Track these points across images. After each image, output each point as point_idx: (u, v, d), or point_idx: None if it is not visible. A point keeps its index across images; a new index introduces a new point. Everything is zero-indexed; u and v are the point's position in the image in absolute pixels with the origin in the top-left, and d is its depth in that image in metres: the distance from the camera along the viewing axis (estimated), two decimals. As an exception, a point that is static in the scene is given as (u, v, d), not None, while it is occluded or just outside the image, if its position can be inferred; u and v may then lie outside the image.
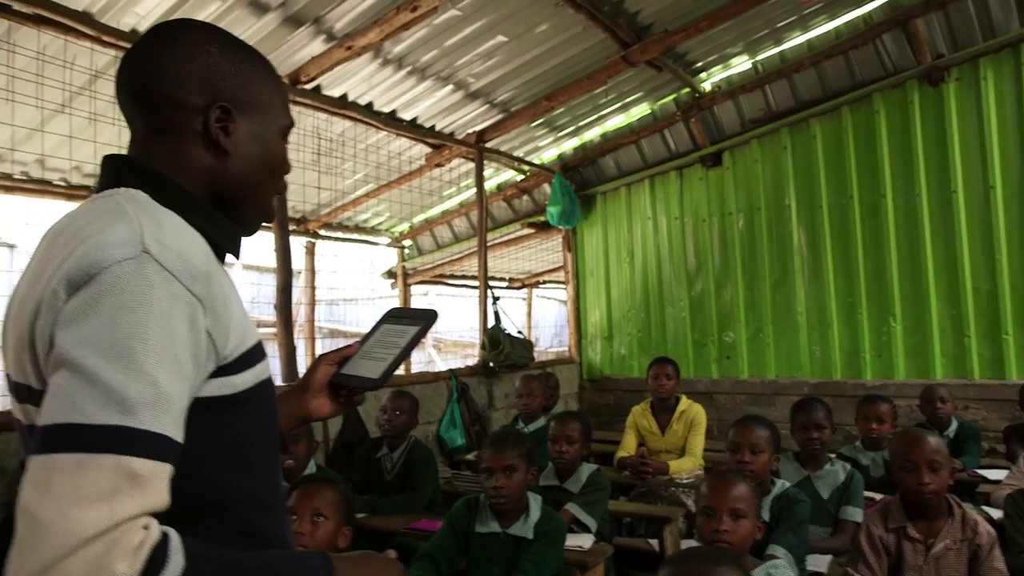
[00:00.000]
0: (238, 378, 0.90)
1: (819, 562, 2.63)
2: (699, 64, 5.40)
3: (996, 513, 2.89)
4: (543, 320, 10.89)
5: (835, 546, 2.84)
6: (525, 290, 9.68)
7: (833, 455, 3.26)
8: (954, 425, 4.09)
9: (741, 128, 5.88)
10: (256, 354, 0.95)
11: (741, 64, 5.53)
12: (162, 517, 0.76)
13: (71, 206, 4.38)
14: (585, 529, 2.86)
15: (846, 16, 5.08)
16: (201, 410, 0.85)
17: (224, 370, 0.88)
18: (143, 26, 3.45)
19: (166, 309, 0.79)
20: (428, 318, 1.23)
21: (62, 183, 4.79)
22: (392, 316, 1.29)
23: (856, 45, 5.16)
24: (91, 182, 4.90)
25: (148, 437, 0.74)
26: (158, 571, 0.70)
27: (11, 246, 6.62)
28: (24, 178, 4.60)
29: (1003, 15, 4.79)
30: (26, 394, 0.85)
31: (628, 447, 4.18)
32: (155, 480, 0.74)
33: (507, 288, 9.01)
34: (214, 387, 0.87)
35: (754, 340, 5.76)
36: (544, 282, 9.42)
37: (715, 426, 5.38)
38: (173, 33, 0.97)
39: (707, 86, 5.68)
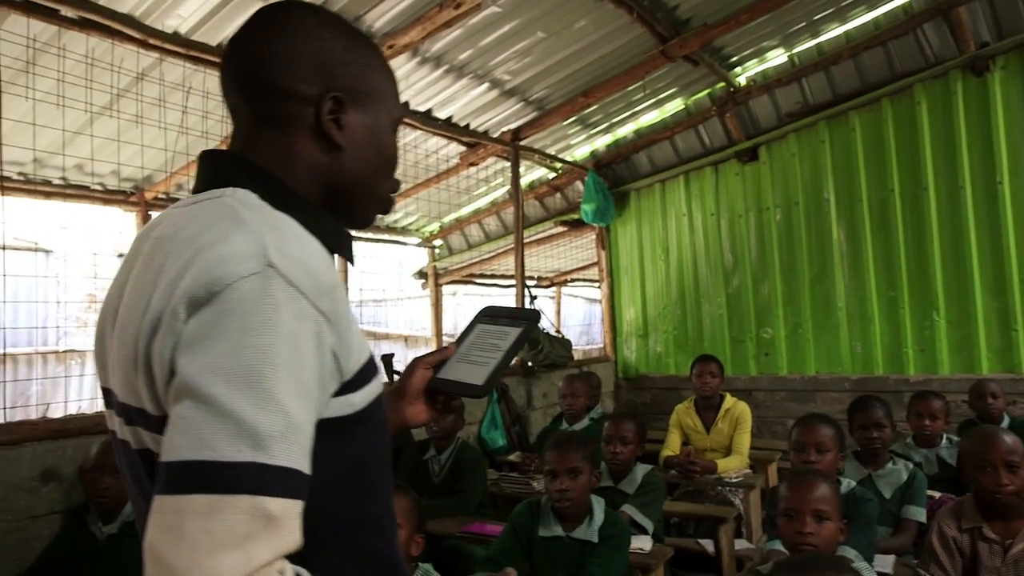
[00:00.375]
0: (356, 396, 0.82)
1: (883, 562, 2.57)
2: (735, 58, 5.34)
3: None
4: (571, 319, 10.85)
5: (898, 545, 2.79)
6: (553, 288, 9.65)
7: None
8: (1006, 421, 4.00)
9: (777, 122, 5.80)
10: (371, 368, 0.86)
11: (777, 57, 5.46)
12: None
13: (107, 211, 4.39)
14: (642, 531, 2.83)
15: (886, 6, 4.99)
16: (322, 433, 0.76)
17: (344, 388, 0.80)
18: (184, 28, 3.46)
19: (294, 330, 0.71)
20: (530, 319, 1.13)
21: (99, 187, 4.83)
22: (487, 315, 1.19)
23: (896, 35, 5.07)
24: (128, 186, 4.94)
25: (281, 474, 0.68)
26: None
27: (47, 251, 6.67)
28: (62, 183, 4.64)
29: (1050, 1, 4.69)
30: (138, 418, 0.78)
31: (673, 446, 4.14)
32: (289, 520, 0.68)
33: (535, 287, 8.98)
34: (335, 407, 0.79)
35: (793, 336, 5.68)
36: (573, 280, 9.38)
37: (755, 423, 5.31)
38: (285, 16, 0.89)
39: (742, 80, 5.61)
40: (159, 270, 0.77)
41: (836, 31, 5.21)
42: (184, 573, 0.62)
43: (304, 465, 0.71)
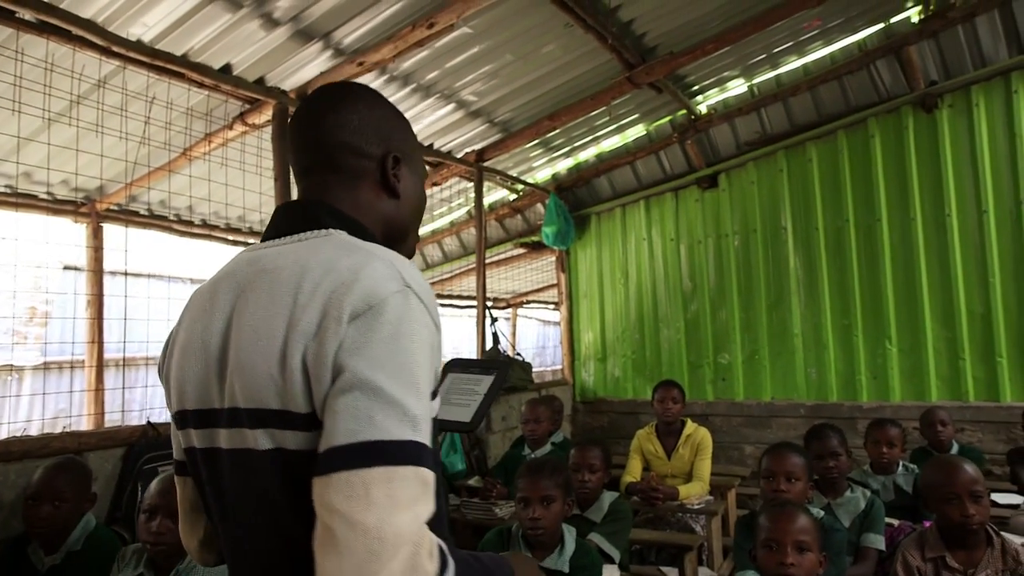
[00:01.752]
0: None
1: (847, 592, 2.60)
2: (697, 87, 5.44)
3: (1017, 539, 2.89)
4: (525, 340, 10.84)
5: (860, 575, 2.82)
6: (509, 310, 9.62)
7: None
8: (955, 448, 4.11)
9: (737, 150, 5.92)
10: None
11: (737, 87, 5.58)
12: None
13: (55, 221, 4.19)
14: (609, 560, 2.80)
15: (841, 42, 5.15)
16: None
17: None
18: (148, 36, 3.36)
19: (425, 337, 0.89)
20: (501, 368, 1.28)
21: (48, 196, 4.64)
22: (457, 367, 1.31)
23: (851, 71, 5.23)
24: (79, 196, 4.76)
25: (428, 450, 0.85)
26: (445, 568, 0.81)
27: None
28: (8, 191, 4.45)
29: (993, 44, 4.90)
30: (275, 420, 0.89)
31: (634, 472, 4.13)
32: (433, 487, 0.84)
33: (491, 308, 8.95)
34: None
35: (750, 362, 5.77)
36: (528, 302, 9.38)
37: (713, 449, 5.35)
38: (351, 92, 1.10)
39: (703, 108, 5.71)
40: (294, 291, 0.90)
41: (795, 64, 5.35)
42: (375, 529, 0.76)
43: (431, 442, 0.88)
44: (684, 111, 5.63)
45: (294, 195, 4.14)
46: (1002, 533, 2.28)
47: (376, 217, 1.08)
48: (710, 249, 6.01)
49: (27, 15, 2.93)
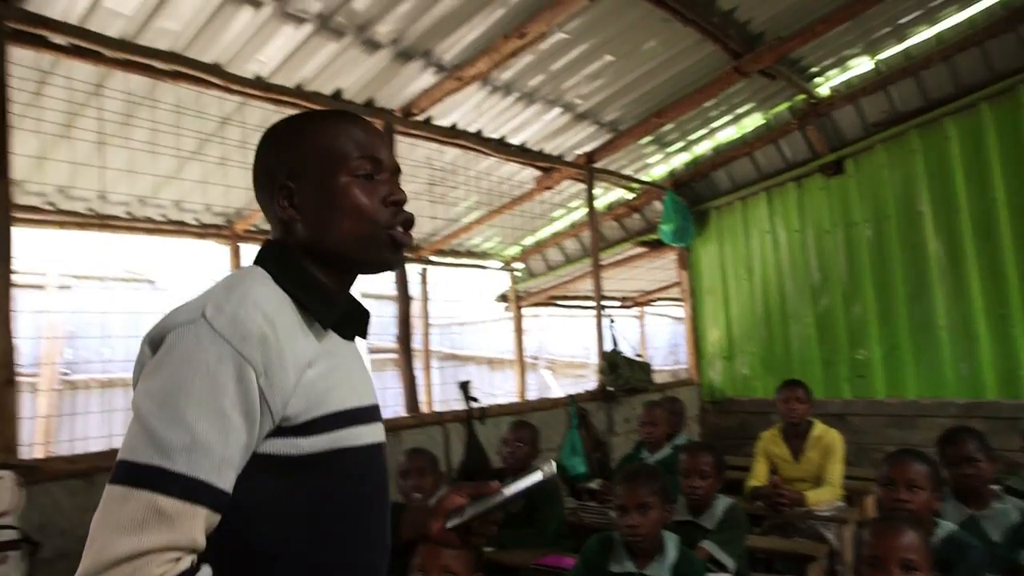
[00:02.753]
0: (304, 441, 0.95)
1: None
2: (815, 68, 5.15)
3: None
4: (656, 339, 10.65)
5: (1010, 594, 2.56)
6: (637, 309, 9.50)
7: (998, 487, 2.96)
8: None
9: (864, 133, 5.55)
10: (340, 420, 1.00)
11: (861, 65, 5.23)
12: (222, 560, 0.90)
13: (203, 244, 4.60)
14: (722, 569, 2.71)
15: (980, 4, 4.70)
16: (264, 467, 0.94)
17: (288, 431, 0.94)
18: (265, 72, 3.61)
19: (213, 366, 0.88)
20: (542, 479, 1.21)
21: (195, 223, 5.08)
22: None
23: (994, 34, 4.76)
24: (220, 220, 5.17)
25: (180, 479, 0.84)
26: None
27: (151, 282, 7.06)
28: (163, 219, 4.90)
29: None
30: None
31: (759, 476, 3.97)
32: (184, 519, 0.84)
33: (619, 308, 8.86)
34: (276, 446, 0.94)
35: (890, 357, 5.37)
36: (657, 300, 9.22)
37: (851, 451, 5.04)
38: (262, 137, 1.14)
39: (824, 91, 5.40)
40: None
41: (925, 34, 4.94)
42: (98, 546, 0.81)
43: (211, 478, 0.86)
44: (803, 95, 5.35)
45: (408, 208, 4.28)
46: None
47: (294, 245, 1.08)
48: (839, 239, 5.65)
49: (159, 64, 3.23)
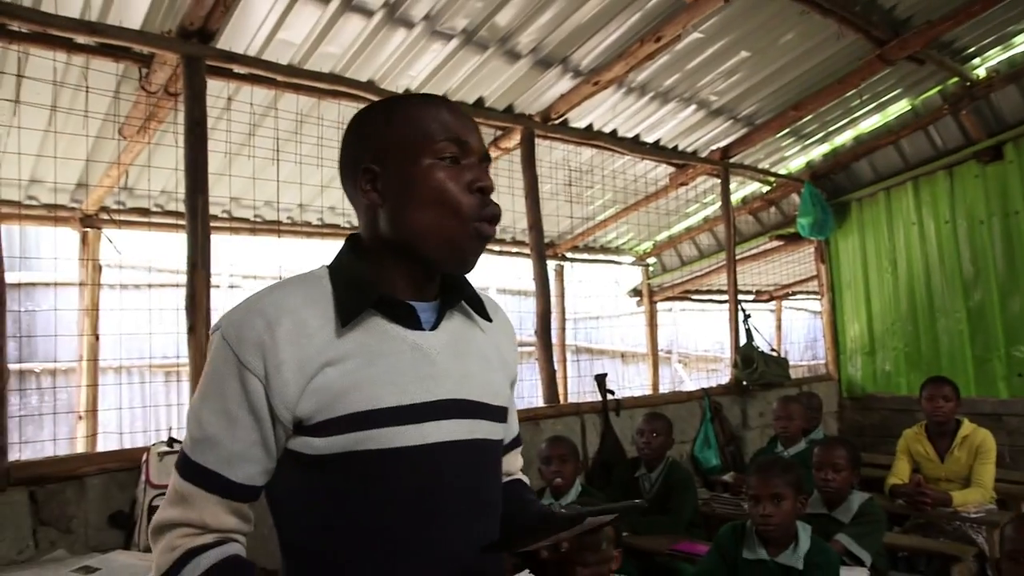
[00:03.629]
0: (319, 441, 0.97)
1: None
2: (971, 49, 4.89)
3: None
4: (793, 333, 10.35)
5: None
6: (773, 302, 9.29)
7: None
8: None
9: (1027, 115, 5.21)
10: (363, 421, 0.97)
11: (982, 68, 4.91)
12: (282, 549, 1.06)
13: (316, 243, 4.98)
14: (857, 562, 2.74)
15: None
16: (290, 462, 1.01)
17: (305, 431, 0.98)
18: (414, 85, 3.92)
19: (221, 370, 0.98)
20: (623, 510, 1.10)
21: (347, 225, 5.51)
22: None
23: None
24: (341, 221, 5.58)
25: (192, 467, 0.99)
26: (178, 570, 0.95)
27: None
28: (320, 223, 5.37)
29: None
30: None
31: (900, 474, 3.89)
32: (193, 500, 0.98)
33: (754, 301, 8.72)
34: (296, 443, 0.99)
35: (1052, 355, 5.05)
36: (794, 293, 8.98)
37: (1007, 452, 4.80)
38: (348, 125, 1.13)
39: (981, 72, 5.12)
40: None
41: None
42: (158, 509, 1.02)
43: (219, 468, 0.98)
44: (956, 79, 5.10)
45: (545, 211, 4.52)
46: None
47: (374, 233, 1.06)
48: (995, 230, 5.34)
49: (322, 84, 3.61)
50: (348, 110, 3.91)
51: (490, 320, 1.18)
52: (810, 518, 2.86)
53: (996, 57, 5.03)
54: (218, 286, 7.33)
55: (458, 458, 1.04)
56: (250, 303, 1.01)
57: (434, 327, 1.07)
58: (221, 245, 6.09)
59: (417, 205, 1.02)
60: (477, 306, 1.15)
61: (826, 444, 3.09)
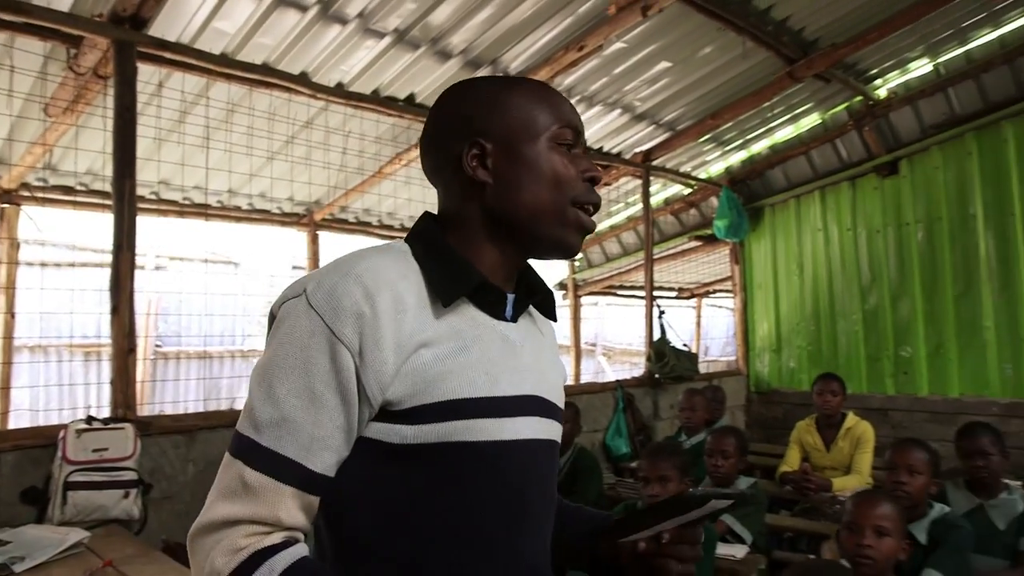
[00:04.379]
0: (409, 429, 0.87)
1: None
2: (873, 71, 5.27)
3: None
4: (713, 330, 10.80)
5: (1011, 577, 2.77)
6: (694, 300, 9.68)
7: (1020, 483, 3.17)
8: None
9: (920, 135, 5.64)
10: (457, 410, 0.89)
11: (921, 68, 5.32)
12: (328, 545, 0.91)
13: (284, 231, 5.11)
14: (739, 540, 3.01)
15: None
16: (366, 451, 0.88)
17: (392, 416, 0.88)
18: (347, 79, 4.02)
19: (306, 342, 0.85)
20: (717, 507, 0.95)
21: (278, 211, 5.56)
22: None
23: (1057, 38, 4.81)
24: (300, 209, 5.65)
25: (265, 454, 0.83)
26: (249, 575, 0.80)
27: (236, 264, 7.65)
28: (250, 208, 5.41)
29: None
30: None
31: (791, 462, 4.22)
32: (267, 493, 0.83)
33: (676, 298, 9.08)
34: (378, 431, 0.88)
35: (935, 356, 5.50)
36: (714, 292, 9.38)
37: (889, 444, 5.19)
38: (443, 95, 1.05)
39: (882, 92, 5.51)
40: None
41: (988, 36, 5.00)
42: (206, 505, 0.85)
43: (299, 456, 0.84)
44: (860, 97, 5.48)
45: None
46: None
47: (473, 214, 0.99)
48: (890, 239, 5.77)
49: (253, 75, 3.68)
50: (279, 101, 3.99)
51: (555, 320, 1.14)
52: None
53: (895, 80, 5.42)
54: (143, 267, 7.26)
55: (542, 457, 0.99)
56: (341, 269, 0.89)
57: (514, 319, 1.02)
58: (148, 226, 6.08)
59: (536, 185, 0.97)
60: (548, 304, 1.09)
61: (717, 433, 3.37)
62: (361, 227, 5.77)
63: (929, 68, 5.30)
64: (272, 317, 0.92)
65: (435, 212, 1.05)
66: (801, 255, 6.34)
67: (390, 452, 0.88)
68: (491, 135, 0.97)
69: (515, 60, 4.15)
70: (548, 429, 1.01)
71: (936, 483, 2.65)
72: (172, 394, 7.29)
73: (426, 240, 0.98)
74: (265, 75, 3.66)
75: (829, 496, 3.84)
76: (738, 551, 2.85)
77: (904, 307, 5.67)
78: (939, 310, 5.48)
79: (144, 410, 6.40)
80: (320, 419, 0.84)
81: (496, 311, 0.99)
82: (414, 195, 5.29)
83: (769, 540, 3.45)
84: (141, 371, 7.07)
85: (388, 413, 0.88)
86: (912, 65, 5.28)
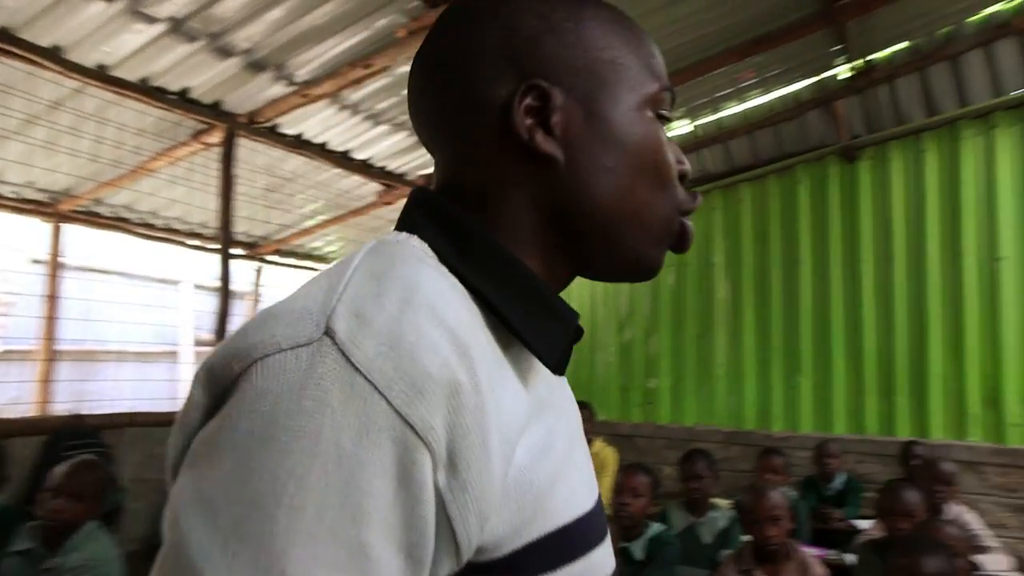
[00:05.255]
0: None
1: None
2: (682, 109, 5.77)
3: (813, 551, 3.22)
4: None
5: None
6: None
7: (727, 502, 3.60)
8: (842, 478, 4.48)
9: (677, 188, 6.26)
10: (572, 544, 0.55)
11: (683, 127, 5.91)
12: None
13: (23, 219, 4.57)
14: None
15: (777, 92, 5.51)
16: None
17: (480, 570, 0.49)
18: (109, 61, 3.69)
19: (349, 451, 0.42)
20: None
21: (14, 196, 4.93)
22: None
23: (786, 119, 5.59)
24: (44, 197, 5.05)
25: None
26: None
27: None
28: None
29: (909, 105, 5.28)
30: None
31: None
32: None
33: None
34: None
35: (676, 388, 6.11)
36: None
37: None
38: (459, 7, 0.62)
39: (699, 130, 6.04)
40: None
41: (736, 108, 5.69)
42: None
43: None
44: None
45: (245, 212, 4.51)
46: (801, 550, 2.62)
47: (518, 205, 0.60)
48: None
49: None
50: (19, 75, 3.57)
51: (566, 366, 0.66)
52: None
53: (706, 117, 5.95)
54: None
55: None
56: (398, 289, 0.49)
57: (562, 371, 0.64)
58: None
59: (634, 177, 0.60)
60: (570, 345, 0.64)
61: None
62: (117, 223, 5.29)
63: (689, 129, 5.92)
64: (216, 382, 0.47)
65: (425, 192, 0.62)
66: (569, 290, 6.75)
67: None
68: (561, 77, 0.59)
69: (301, 68, 4.06)
70: (611, 553, 0.65)
71: (657, 504, 2.93)
72: None
73: (464, 240, 0.57)
74: (3, 43, 3.25)
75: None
76: None
77: (654, 342, 6.25)
78: (682, 347, 6.10)
79: None
80: None
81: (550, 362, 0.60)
82: (179, 196, 4.96)
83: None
84: None
85: (479, 567, 0.49)
86: (674, 124, 5.87)
